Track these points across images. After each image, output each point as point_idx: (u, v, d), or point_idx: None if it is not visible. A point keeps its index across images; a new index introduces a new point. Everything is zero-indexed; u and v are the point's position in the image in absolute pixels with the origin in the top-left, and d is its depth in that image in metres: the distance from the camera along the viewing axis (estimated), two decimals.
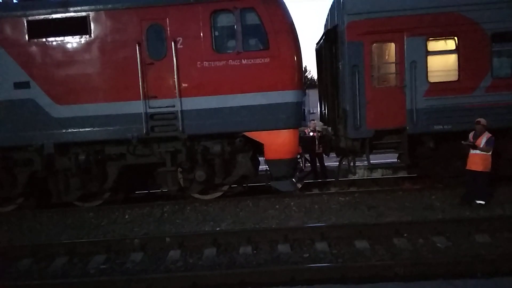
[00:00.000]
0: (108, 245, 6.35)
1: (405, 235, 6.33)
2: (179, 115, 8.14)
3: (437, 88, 8.37)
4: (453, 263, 5.15)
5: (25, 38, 8.22)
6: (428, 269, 5.07)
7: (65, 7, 8.20)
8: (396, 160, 9.87)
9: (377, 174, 11.51)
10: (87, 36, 8.19)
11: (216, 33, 8.13)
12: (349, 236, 6.30)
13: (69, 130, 8.30)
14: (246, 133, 8.30)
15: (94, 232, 7.48)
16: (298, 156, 9.59)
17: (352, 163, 9.28)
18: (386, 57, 9.22)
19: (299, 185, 9.05)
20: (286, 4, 8.33)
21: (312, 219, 7.50)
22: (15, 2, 8.94)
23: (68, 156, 8.44)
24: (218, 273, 5.13)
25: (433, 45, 8.46)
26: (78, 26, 8.17)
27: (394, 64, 8.66)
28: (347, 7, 8.45)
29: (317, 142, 10.64)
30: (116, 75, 8.20)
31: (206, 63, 8.09)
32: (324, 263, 5.53)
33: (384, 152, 9.47)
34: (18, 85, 8.27)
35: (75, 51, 8.22)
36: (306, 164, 10.30)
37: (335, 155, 9.97)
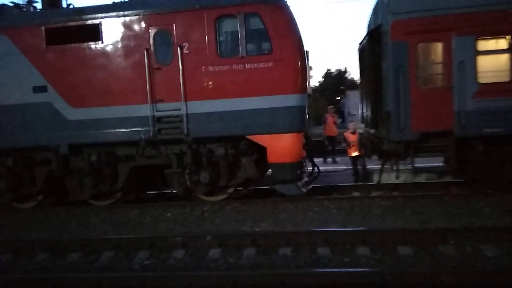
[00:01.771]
0: (152, 242, 6.53)
1: (452, 242, 6.07)
2: (185, 118, 8.38)
3: (488, 89, 7.98)
4: (503, 273, 4.88)
5: (43, 45, 8.69)
6: (476, 279, 4.83)
7: (79, 15, 8.71)
8: (442, 164, 9.50)
9: (421, 179, 11.11)
10: (99, 42, 8.59)
11: (221, 38, 8.31)
12: (392, 241, 6.12)
13: (82, 132, 8.74)
14: (249, 137, 8.39)
15: (138, 229, 7.74)
16: (306, 160, 9.47)
17: (395, 166, 9.03)
18: (433, 57, 8.89)
19: (305, 189, 8.91)
20: (290, 8, 8.36)
21: (353, 223, 7.36)
22: (34, 12, 9.62)
23: (82, 156, 8.88)
24: (259, 274, 5.15)
25: (483, 45, 8.09)
26: (90, 33, 8.65)
27: (441, 65, 8.36)
28: (391, 6, 8.26)
29: (358, 145, 10.45)
30: (126, 80, 8.57)
31: (210, 68, 8.27)
32: (366, 268, 5.41)
33: (429, 155, 9.15)
34: (37, 89, 8.82)
35: (88, 56, 8.68)
36: (314, 169, 10.07)
37: (377, 158, 9.75)
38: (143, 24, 8.46)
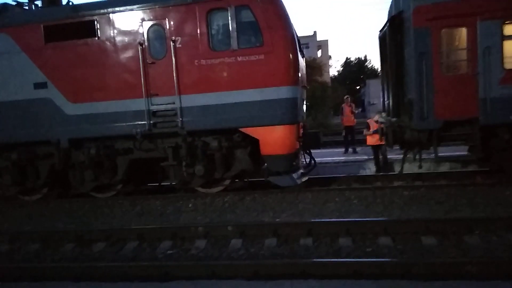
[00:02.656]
0: (174, 232, 6.63)
1: (477, 232, 5.95)
2: (179, 111, 8.46)
3: None
4: None
5: (42, 42, 8.92)
6: (502, 269, 4.72)
7: (75, 12, 8.86)
8: (466, 153, 9.28)
9: (445, 168, 10.91)
10: (95, 38, 8.74)
11: (213, 32, 8.34)
12: (416, 231, 6.03)
13: (81, 127, 8.93)
14: (242, 129, 8.41)
15: (161, 219, 7.87)
16: (301, 152, 9.41)
17: (418, 156, 8.87)
18: (457, 43, 8.66)
19: (300, 181, 8.90)
20: (282, 0, 8.26)
21: (374, 213, 7.29)
22: (33, 10, 9.82)
23: (82, 150, 9.15)
24: (280, 263, 5.17)
25: (510, 29, 7.79)
26: (86, 30, 8.78)
27: (465, 51, 8.11)
28: None
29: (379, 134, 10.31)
30: (121, 75, 8.68)
31: (203, 61, 8.32)
32: (388, 258, 5.36)
33: (453, 144, 8.95)
34: (37, 86, 9.03)
35: (84, 53, 8.81)
36: (311, 160, 10.02)
37: (398, 147, 9.60)
38: (137, 20, 8.59)
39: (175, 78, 8.40)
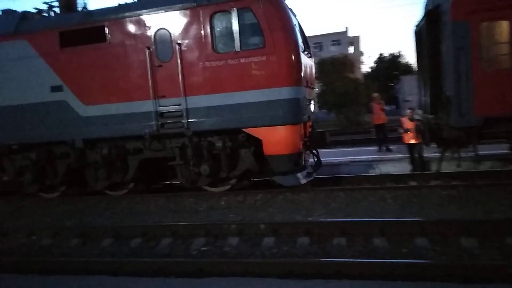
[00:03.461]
0: (208, 229, 6.73)
1: None
2: (185, 113, 8.67)
3: None
4: None
5: (58, 47, 9.36)
6: None
7: (86, 18, 9.31)
8: (507, 151, 8.88)
9: (485, 167, 10.47)
10: (105, 43, 9.08)
11: (216, 34, 8.51)
12: (454, 233, 5.84)
13: (94, 128, 9.31)
14: (246, 129, 8.51)
15: (194, 216, 7.99)
16: (306, 152, 9.34)
17: (456, 154, 8.57)
18: (497, 37, 8.25)
19: (305, 181, 8.86)
20: (283, 1, 8.45)
21: (410, 213, 7.11)
22: (49, 17, 10.31)
23: (96, 150, 9.51)
24: (314, 262, 5.14)
25: None
26: (97, 35, 9.13)
27: (507, 44, 7.74)
28: None
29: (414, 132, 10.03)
30: (130, 77, 8.99)
31: (207, 63, 8.50)
32: (426, 259, 5.22)
33: (493, 142, 8.58)
34: (54, 89, 9.49)
35: (96, 57, 9.18)
36: (317, 160, 9.92)
37: (435, 146, 9.30)
38: (144, 24, 8.87)
39: (180, 80, 8.62)
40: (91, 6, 10.48)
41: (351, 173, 10.97)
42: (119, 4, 9.49)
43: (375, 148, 13.95)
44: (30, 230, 7.64)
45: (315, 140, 9.69)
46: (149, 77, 8.78)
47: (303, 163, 9.21)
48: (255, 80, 8.27)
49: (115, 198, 9.79)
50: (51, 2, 10.45)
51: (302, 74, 8.49)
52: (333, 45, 65.02)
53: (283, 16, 8.28)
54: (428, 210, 7.16)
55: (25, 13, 10.25)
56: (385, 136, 13.83)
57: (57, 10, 10.62)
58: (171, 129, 8.87)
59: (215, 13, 8.44)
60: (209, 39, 8.48)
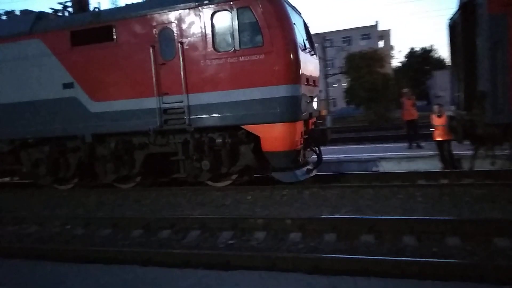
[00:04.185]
0: (235, 223, 6.79)
1: None
2: (186, 109, 8.92)
3: None
4: None
5: (69, 46, 9.80)
6: None
7: (95, 18, 9.67)
8: None
9: None
10: (113, 42, 9.42)
11: (216, 33, 8.71)
12: (487, 232, 5.66)
13: (102, 123, 9.70)
14: (245, 126, 8.71)
15: (221, 210, 8.09)
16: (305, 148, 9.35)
17: (490, 152, 8.28)
18: None
19: (304, 177, 8.98)
20: (282, 0, 8.55)
21: (441, 211, 6.93)
22: (61, 17, 10.75)
23: (104, 144, 9.91)
24: (342, 258, 5.11)
25: None
26: (105, 34, 9.49)
27: None
28: None
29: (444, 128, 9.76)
30: (136, 75, 9.32)
31: (208, 62, 8.72)
32: (457, 259, 5.09)
33: None
34: (66, 86, 9.95)
35: (104, 55, 9.56)
36: (319, 156, 9.91)
37: (469, 143, 9.01)
38: (149, 24, 9.17)
39: (182, 77, 8.86)
40: (105, 6, 10.94)
41: (380, 170, 10.81)
42: (126, 4, 9.90)
43: (405, 144, 13.66)
44: (64, 220, 7.95)
45: (316, 137, 9.78)
46: (153, 74, 9.07)
47: (302, 160, 9.31)
48: (254, 78, 8.43)
49: (144, 191, 10.03)
50: (65, 2, 10.94)
51: (301, 72, 8.62)
52: (362, 39, 63.90)
53: (281, 15, 8.40)
54: (460, 209, 6.97)
55: (40, 13, 10.77)
56: (416, 133, 13.52)
57: (71, 10, 11.05)
58: (174, 125, 9.19)
59: (215, 12, 8.68)
60: (210, 37, 8.71)
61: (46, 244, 6.89)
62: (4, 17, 11.63)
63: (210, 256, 5.52)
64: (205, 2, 8.69)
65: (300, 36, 9.10)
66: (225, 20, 8.61)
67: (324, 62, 39.34)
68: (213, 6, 8.66)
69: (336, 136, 21.32)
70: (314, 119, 9.96)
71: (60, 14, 10.99)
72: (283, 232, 6.48)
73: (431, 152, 11.39)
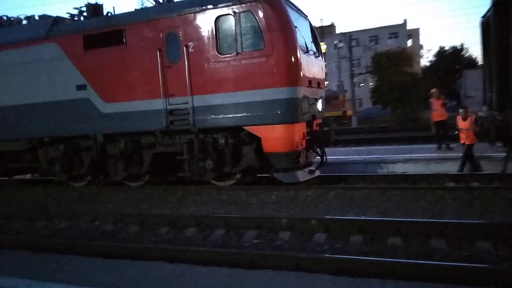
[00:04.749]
0: (259, 222, 6.80)
1: None
2: (191, 111, 9.18)
3: None
4: None
5: (82, 49, 10.18)
6: None
7: (106, 23, 10.05)
8: None
9: None
10: (122, 45, 9.74)
11: (220, 37, 8.93)
12: None
13: (113, 123, 10.05)
14: (246, 128, 8.92)
15: (246, 209, 8.12)
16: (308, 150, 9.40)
17: None
18: None
19: (306, 178, 9.10)
20: (283, 4, 8.69)
21: (471, 215, 6.74)
22: (75, 21, 11.13)
23: (114, 144, 10.22)
24: (369, 261, 5.03)
25: None
26: (116, 38, 9.83)
27: None
28: None
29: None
30: (144, 77, 9.64)
31: (212, 64, 8.97)
32: (489, 264, 4.93)
33: None
34: (79, 87, 10.35)
35: (114, 58, 9.90)
36: (322, 158, 9.81)
37: (501, 145, 8.71)
38: (156, 28, 9.47)
39: (187, 80, 9.13)
40: (118, 11, 11.40)
41: (406, 172, 10.59)
42: (135, 9, 10.30)
43: (434, 146, 13.33)
44: (94, 216, 8.17)
45: (319, 138, 9.81)
46: (160, 77, 9.34)
47: (304, 161, 9.40)
48: (255, 80, 8.62)
49: (170, 189, 10.19)
50: (81, 7, 11.36)
51: (303, 74, 8.72)
52: (390, 38, 62.77)
53: (282, 19, 8.54)
54: (491, 212, 6.76)
55: (57, 18, 11.21)
56: (445, 134, 13.15)
57: (86, 14, 11.39)
58: (179, 126, 9.44)
59: (219, 16, 8.89)
60: (214, 41, 8.94)
61: (76, 239, 7.09)
62: (25, 22, 12.23)
63: (236, 255, 5.55)
64: (209, 7, 8.96)
65: (303, 39, 9.26)
66: (228, 24, 8.85)
67: (350, 62, 38.87)
68: (216, 10, 8.90)
69: (364, 137, 21.10)
70: (319, 120, 10.19)
71: (75, 18, 11.41)
72: (307, 232, 6.43)
73: (461, 154, 11.06)
